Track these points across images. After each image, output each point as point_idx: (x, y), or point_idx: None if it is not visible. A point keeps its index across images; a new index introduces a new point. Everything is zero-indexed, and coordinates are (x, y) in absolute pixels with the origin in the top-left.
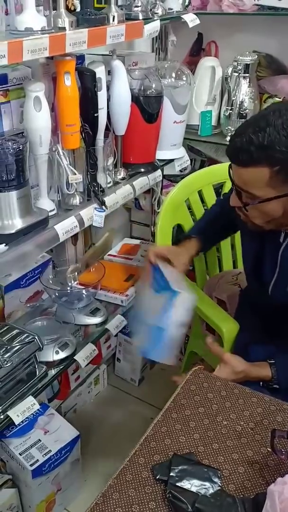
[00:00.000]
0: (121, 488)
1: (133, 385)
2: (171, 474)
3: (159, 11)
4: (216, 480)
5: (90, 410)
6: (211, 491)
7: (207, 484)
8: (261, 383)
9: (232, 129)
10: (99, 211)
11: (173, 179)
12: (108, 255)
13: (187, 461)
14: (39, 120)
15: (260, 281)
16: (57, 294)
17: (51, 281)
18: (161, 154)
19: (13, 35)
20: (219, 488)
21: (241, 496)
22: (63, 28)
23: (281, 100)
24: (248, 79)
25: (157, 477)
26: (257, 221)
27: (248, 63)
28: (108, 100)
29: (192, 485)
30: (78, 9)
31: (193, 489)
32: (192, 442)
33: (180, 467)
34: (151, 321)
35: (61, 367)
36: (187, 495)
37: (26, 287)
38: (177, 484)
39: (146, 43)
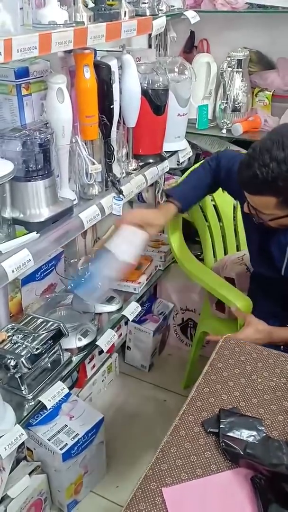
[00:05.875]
0: (177, 442)
1: (144, 371)
2: (221, 426)
3: (164, 8)
4: (261, 428)
5: (106, 398)
6: (258, 438)
7: (254, 432)
8: (282, 347)
9: (228, 122)
10: (117, 200)
11: (172, 172)
12: None
13: (233, 414)
14: (62, 112)
15: (271, 265)
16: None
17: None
18: (167, 146)
19: (37, 28)
20: (265, 434)
21: (285, 439)
22: (82, 22)
23: (271, 93)
24: (241, 74)
25: (208, 430)
26: (270, 224)
27: (241, 58)
28: (119, 93)
29: (241, 433)
30: (90, 5)
31: (243, 437)
32: (233, 399)
33: (228, 420)
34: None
35: (84, 353)
36: (238, 443)
37: (41, 280)
38: (228, 434)
39: (143, 40)
